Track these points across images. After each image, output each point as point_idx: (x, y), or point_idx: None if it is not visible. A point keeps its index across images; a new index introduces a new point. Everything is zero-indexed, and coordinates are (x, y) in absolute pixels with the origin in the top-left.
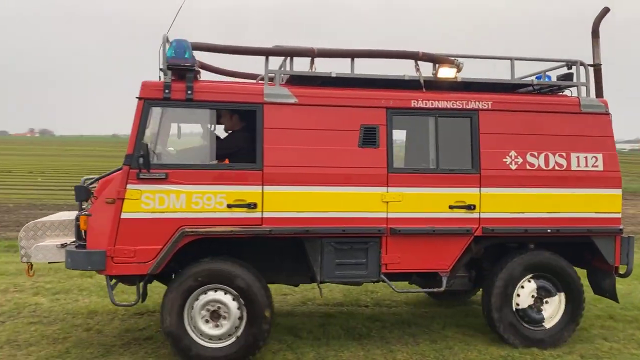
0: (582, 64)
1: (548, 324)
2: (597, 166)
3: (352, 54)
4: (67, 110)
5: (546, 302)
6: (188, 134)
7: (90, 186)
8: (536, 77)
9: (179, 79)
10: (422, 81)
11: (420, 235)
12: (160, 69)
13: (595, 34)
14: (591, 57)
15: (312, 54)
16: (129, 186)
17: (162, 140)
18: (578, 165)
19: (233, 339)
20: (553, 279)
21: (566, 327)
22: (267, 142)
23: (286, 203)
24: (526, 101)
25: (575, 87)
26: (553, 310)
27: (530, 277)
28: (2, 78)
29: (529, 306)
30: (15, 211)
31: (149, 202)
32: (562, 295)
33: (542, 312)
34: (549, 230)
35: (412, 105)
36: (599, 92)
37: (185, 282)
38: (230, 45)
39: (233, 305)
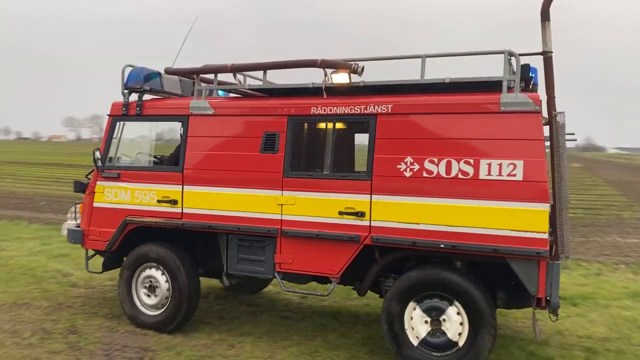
0: (511, 54)
1: (460, 342)
2: (514, 175)
3: (261, 67)
4: None
5: (443, 320)
6: (147, 141)
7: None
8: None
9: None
10: (323, 87)
11: (309, 239)
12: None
13: (544, 15)
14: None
15: (226, 69)
16: (97, 182)
17: (121, 146)
18: (489, 174)
19: (164, 309)
20: (438, 294)
21: (479, 336)
22: (188, 148)
23: (199, 201)
24: (434, 102)
25: (509, 83)
26: (456, 324)
27: (413, 303)
28: None
29: (429, 333)
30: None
31: (109, 195)
32: (456, 304)
33: (447, 333)
34: (442, 246)
35: (312, 112)
36: (550, 86)
37: (131, 263)
38: (168, 67)
39: (162, 282)
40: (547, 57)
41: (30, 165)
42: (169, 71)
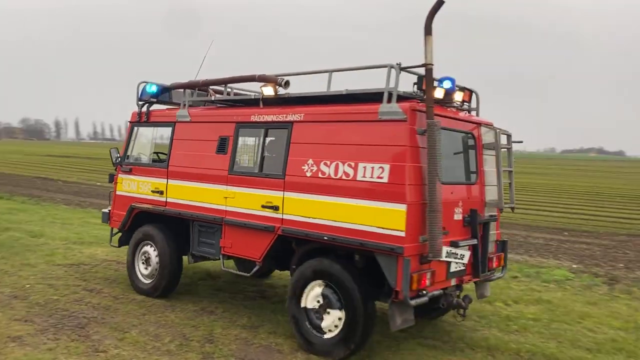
0: (392, 67)
1: (325, 335)
2: (381, 178)
3: (220, 81)
4: None
5: (327, 312)
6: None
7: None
8: (444, 82)
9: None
10: (260, 99)
11: (241, 227)
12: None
13: (427, 30)
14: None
15: (198, 84)
16: (119, 175)
17: (135, 147)
18: (364, 176)
19: (153, 278)
20: (338, 292)
21: (338, 346)
22: (173, 148)
23: (176, 192)
24: (330, 112)
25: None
26: (331, 323)
27: (322, 284)
28: None
29: (312, 309)
30: None
31: (124, 185)
32: (343, 312)
33: (323, 321)
34: (325, 238)
35: (252, 120)
36: (429, 96)
37: (134, 240)
38: (174, 83)
39: (154, 255)
40: (427, 69)
41: None
42: (167, 87)
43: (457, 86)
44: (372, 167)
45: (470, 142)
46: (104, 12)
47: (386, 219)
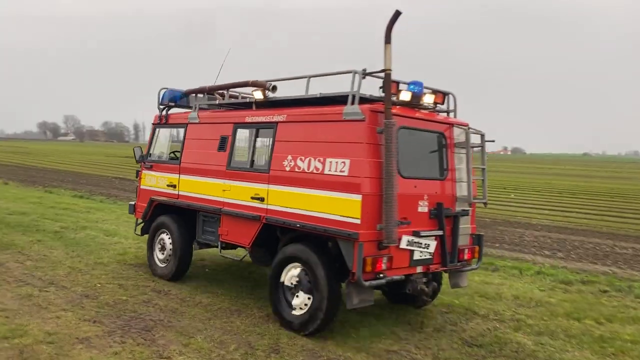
0: (355, 72)
1: (295, 312)
2: (343, 171)
3: (222, 87)
4: (537, 129)
5: (299, 294)
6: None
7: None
8: (411, 86)
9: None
10: (254, 102)
11: (235, 217)
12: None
13: (387, 39)
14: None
15: (205, 90)
16: (143, 171)
17: (156, 146)
18: (330, 170)
19: (167, 263)
20: (309, 277)
21: (303, 322)
22: (185, 147)
23: (186, 186)
24: (306, 113)
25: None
26: (300, 302)
27: (299, 266)
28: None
29: (288, 287)
30: (491, 226)
31: (147, 180)
32: (311, 295)
33: (293, 301)
34: (298, 225)
35: (246, 121)
36: (387, 98)
37: (153, 228)
38: (188, 89)
39: (168, 242)
40: (386, 74)
41: None
42: (184, 92)
43: (429, 89)
44: (337, 162)
45: (442, 141)
46: (171, 20)
47: (345, 208)
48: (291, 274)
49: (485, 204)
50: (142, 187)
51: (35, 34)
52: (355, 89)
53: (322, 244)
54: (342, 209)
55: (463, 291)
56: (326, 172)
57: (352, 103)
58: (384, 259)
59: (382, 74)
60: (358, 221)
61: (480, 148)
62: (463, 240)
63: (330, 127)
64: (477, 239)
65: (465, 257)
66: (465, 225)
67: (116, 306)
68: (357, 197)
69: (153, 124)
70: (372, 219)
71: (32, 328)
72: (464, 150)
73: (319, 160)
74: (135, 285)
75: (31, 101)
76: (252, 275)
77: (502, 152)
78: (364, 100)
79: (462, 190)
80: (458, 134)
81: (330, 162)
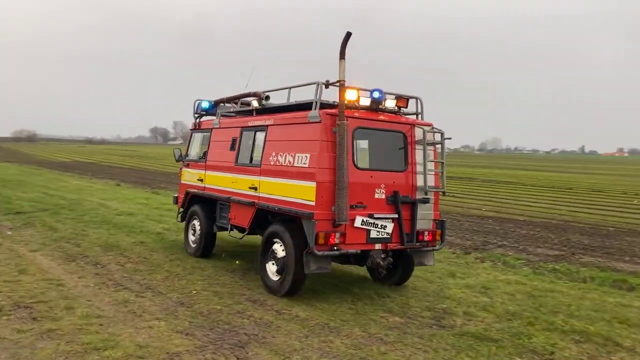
0: (318, 83)
1: (274, 278)
2: (305, 164)
3: (235, 97)
4: None
5: (276, 265)
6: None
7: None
8: (373, 94)
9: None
10: (253, 109)
11: (238, 203)
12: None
13: (341, 55)
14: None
15: (223, 100)
16: (182, 168)
17: (198, 146)
18: (297, 163)
19: (198, 242)
20: (284, 249)
21: (279, 286)
22: (210, 148)
23: (210, 180)
24: (285, 117)
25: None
26: (276, 270)
27: (278, 242)
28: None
29: (270, 259)
30: (615, 236)
31: (185, 176)
32: (283, 263)
33: (273, 268)
34: (276, 208)
35: (249, 125)
36: (341, 103)
37: (188, 215)
38: (217, 99)
39: (197, 226)
40: (340, 84)
41: None
42: (213, 102)
43: (392, 94)
44: (301, 156)
45: (403, 139)
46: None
47: (305, 193)
48: (273, 249)
49: (443, 193)
50: (181, 182)
51: (156, 48)
52: (319, 97)
53: (294, 223)
54: (303, 194)
55: (597, 316)
56: (295, 164)
57: (315, 108)
58: (337, 235)
59: (346, 84)
60: (313, 203)
61: (440, 145)
62: (425, 224)
63: (299, 128)
64: (440, 224)
65: (426, 238)
66: (426, 211)
67: (210, 316)
68: (312, 184)
69: (190, 129)
70: (326, 202)
71: (124, 339)
72: (430, 147)
73: (291, 155)
74: (231, 294)
75: (144, 108)
76: (352, 288)
77: (617, 154)
78: (326, 106)
79: (421, 180)
80: (419, 133)
81: (299, 156)
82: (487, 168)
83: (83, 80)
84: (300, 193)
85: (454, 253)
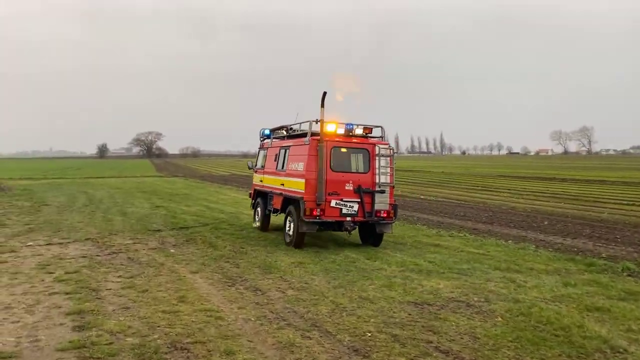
0: (310, 121)
1: (287, 237)
2: (301, 168)
3: (283, 127)
4: None
5: (290, 228)
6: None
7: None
8: (347, 125)
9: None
10: (285, 136)
11: (275, 195)
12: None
13: (321, 105)
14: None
15: (276, 128)
16: (254, 174)
17: (261, 158)
18: (297, 168)
19: (260, 220)
20: (292, 219)
21: (291, 241)
22: (266, 160)
23: (265, 180)
24: (295, 141)
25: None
26: (288, 231)
27: (290, 214)
28: None
29: (287, 225)
30: None
31: (255, 179)
32: (293, 228)
33: (289, 231)
34: (289, 196)
35: (283, 145)
36: (322, 133)
37: (254, 205)
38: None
39: (259, 210)
40: (320, 122)
41: (523, 180)
42: (270, 130)
43: (361, 125)
44: (300, 164)
45: (367, 153)
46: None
47: (300, 186)
48: (288, 220)
49: (392, 187)
50: (253, 182)
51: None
52: (310, 129)
53: (298, 205)
54: (299, 186)
55: None
56: (298, 169)
57: (307, 137)
58: (318, 210)
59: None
60: (303, 191)
61: (392, 157)
62: (382, 206)
63: (300, 147)
64: (393, 207)
65: (382, 215)
66: (382, 198)
67: None
68: (302, 180)
69: (258, 148)
70: (312, 191)
71: None
72: (384, 158)
73: (296, 163)
74: (413, 339)
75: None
76: (568, 333)
77: None
78: (316, 134)
79: (380, 179)
80: (379, 149)
81: (299, 164)
82: None
83: (242, 98)
84: (298, 186)
85: None
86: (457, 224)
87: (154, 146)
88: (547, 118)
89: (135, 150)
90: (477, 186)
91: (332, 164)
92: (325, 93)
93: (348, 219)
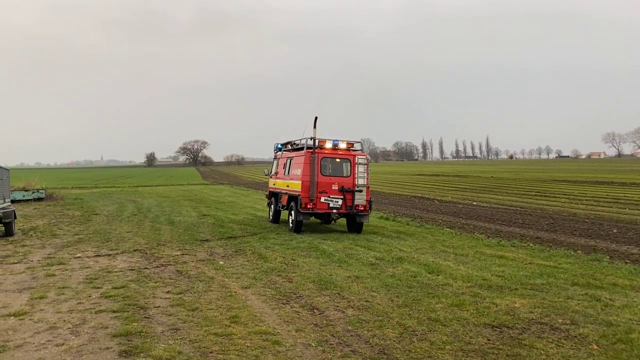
0: (307, 138)
1: (290, 224)
2: (300, 173)
3: (290, 141)
4: None
5: (291, 217)
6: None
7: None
8: (334, 141)
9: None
10: (291, 149)
11: (282, 194)
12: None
13: (314, 126)
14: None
15: (287, 144)
16: (270, 179)
17: (275, 166)
18: (297, 173)
19: (273, 216)
20: (293, 211)
21: (292, 228)
22: (278, 168)
23: (277, 184)
24: (297, 153)
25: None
26: (291, 220)
27: (292, 208)
28: None
29: (289, 216)
30: None
31: (270, 183)
32: (293, 218)
33: (290, 219)
34: (291, 194)
35: (289, 156)
36: (314, 147)
37: (269, 203)
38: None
39: (272, 208)
40: (313, 140)
41: (579, 184)
42: (282, 144)
43: (342, 141)
44: (299, 170)
45: (349, 162)
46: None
47: (298, 186)
48: (291, 212)
49: (367, 187)
50: (269, 186)
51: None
52: (306, 144)
53: (297, 201)
54: (298, 186)
55: None
56: (297, 174)
57: (304, 149)
58: (311, 204)
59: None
60: (300, 190)
61: (368, 165)
62: (360, 202)
63: (299, 158)
64: (369, 202)
65: (360, 208)
66: (360, 196)
67: None
68: (299, 182)
69: (273, 158)
70: (306, 190)
71: None
72: (361, 166)
73: (296, 170)
74: None
75: (339, 128)
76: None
77: None
78: (311, 147)
79: (358, 181)
80: (358, 159)
81: (298, 170)
82: None
83: (282, 105)
84: (297, 186)
85: None
86: (517, 233)
87: (200, 154)
88: (599, 118)
89: (182, 158)
90: (531, 191)
91: (322, 170)
92: (316, 118)
93: (334, 211)
